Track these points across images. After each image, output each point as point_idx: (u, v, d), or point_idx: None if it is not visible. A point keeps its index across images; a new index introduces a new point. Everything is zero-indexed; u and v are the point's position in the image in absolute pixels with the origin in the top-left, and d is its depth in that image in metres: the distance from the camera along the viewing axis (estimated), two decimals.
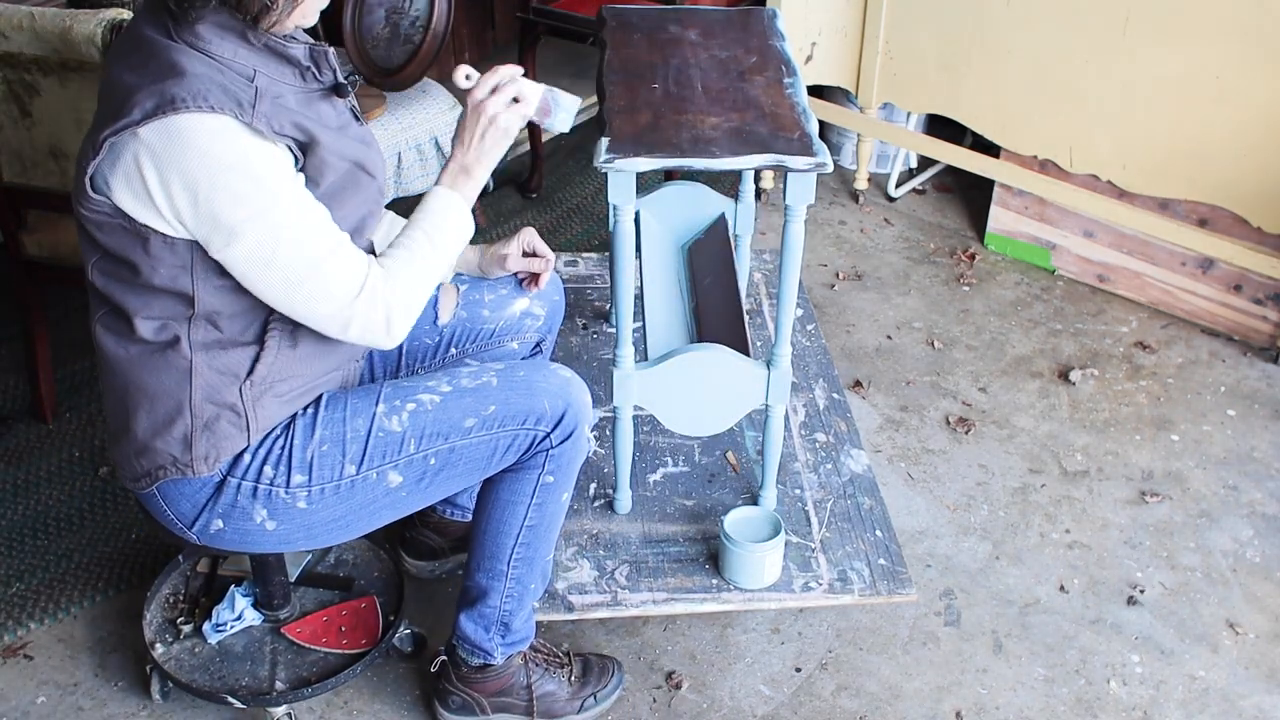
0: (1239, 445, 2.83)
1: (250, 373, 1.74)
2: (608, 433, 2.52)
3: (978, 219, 3.60)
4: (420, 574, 2.39)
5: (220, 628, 2.19)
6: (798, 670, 2.27)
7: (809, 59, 3.47)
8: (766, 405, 2.22)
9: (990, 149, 3.42)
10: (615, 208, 2.01)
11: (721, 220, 2.62)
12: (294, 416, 1.80)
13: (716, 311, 2.43)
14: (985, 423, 2.87)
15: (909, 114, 3.65)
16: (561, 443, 1.90)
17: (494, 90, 1.82)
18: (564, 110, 1.87)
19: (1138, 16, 3.00)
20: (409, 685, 2.23)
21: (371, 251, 1.85)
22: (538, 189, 3.72)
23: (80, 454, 2.75)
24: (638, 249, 2.56)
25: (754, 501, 2.40)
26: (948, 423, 2.86)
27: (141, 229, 1.62)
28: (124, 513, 2.60)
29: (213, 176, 1.57)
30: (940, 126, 3.68)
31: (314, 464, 1.79)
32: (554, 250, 3.50)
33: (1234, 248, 3.08)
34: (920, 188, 3.83)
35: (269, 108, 1.62)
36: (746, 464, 2.50)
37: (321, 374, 1.83)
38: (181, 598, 2.28)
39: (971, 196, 3.70)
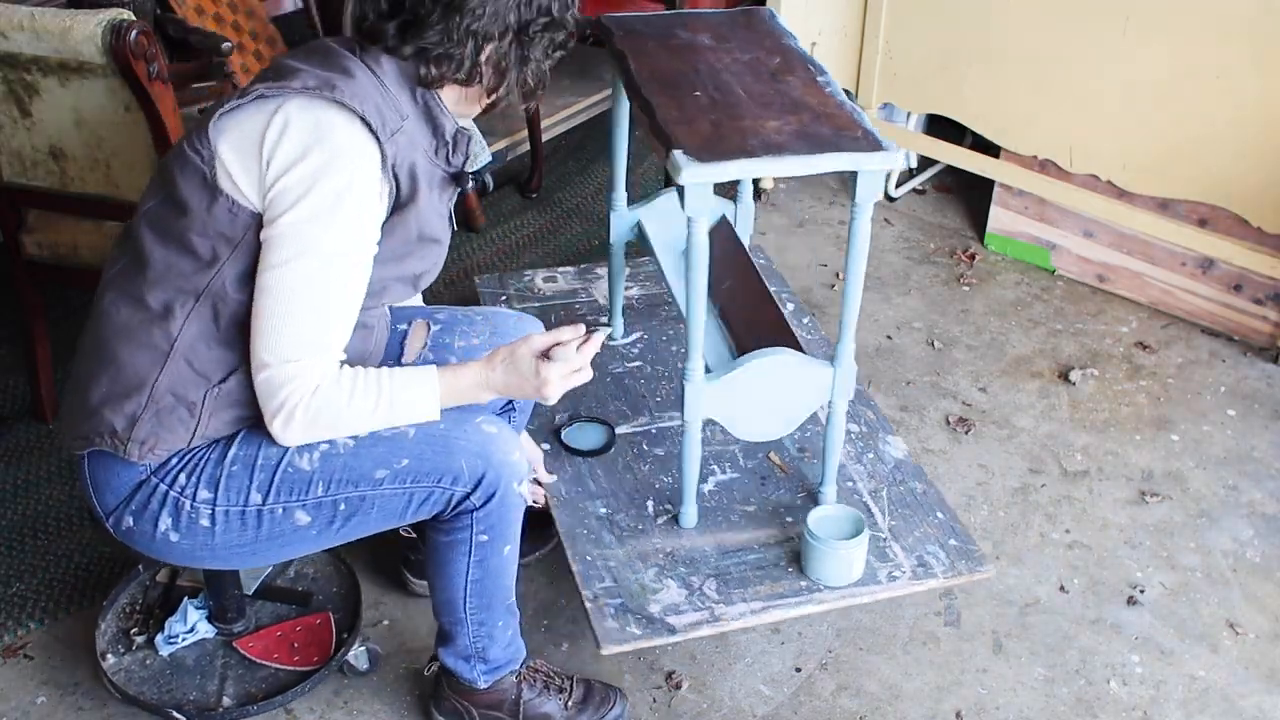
0: (1239, 445, 2.83)
1: (223, 380, 1.73)
2: (646, 448, 2.49)
3: (978, 219, 3.60)
4: (425, 593, 2.31)
5: (172, 640, 2.18)
6: (798, 670, 2.27)
7: None
8: (830, 402, 2.24)
9: (990, 149, 3.42)
10: (691, 220, 1.97)
11: (724, 222, 2.62)
12: None
13: (750, 314, 2.40)
14: (985, 423, 2.87)
15: (909, 114, 3.65)
16: (485, 504, 1.84)
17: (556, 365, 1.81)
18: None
19: (1138, 16, 3.00)
20: (409, 686, 2.23)
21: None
22: (538, 189, 3.72)
23: None
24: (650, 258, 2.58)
25: (813, 499, 2.39)
26: (948, 423, 2.86)
27: (217, 185, 1.65)
28: None
29: (322, 163, 1.62)
30: (940, 126, 3.68)
31: (221, 484, 1.76)
32: (553, 249, 3.50)
33: (1234, 248, 3.08)
34: (920, 188, 3.83)
35: (404, 143, 1.72)
36: (791, 462, 2.48)
37: None
38: (138, 608, 2.26)
39: (971, 196, 3.70)
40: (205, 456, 1.77)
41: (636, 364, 2.73)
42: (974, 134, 3.40)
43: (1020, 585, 2.46)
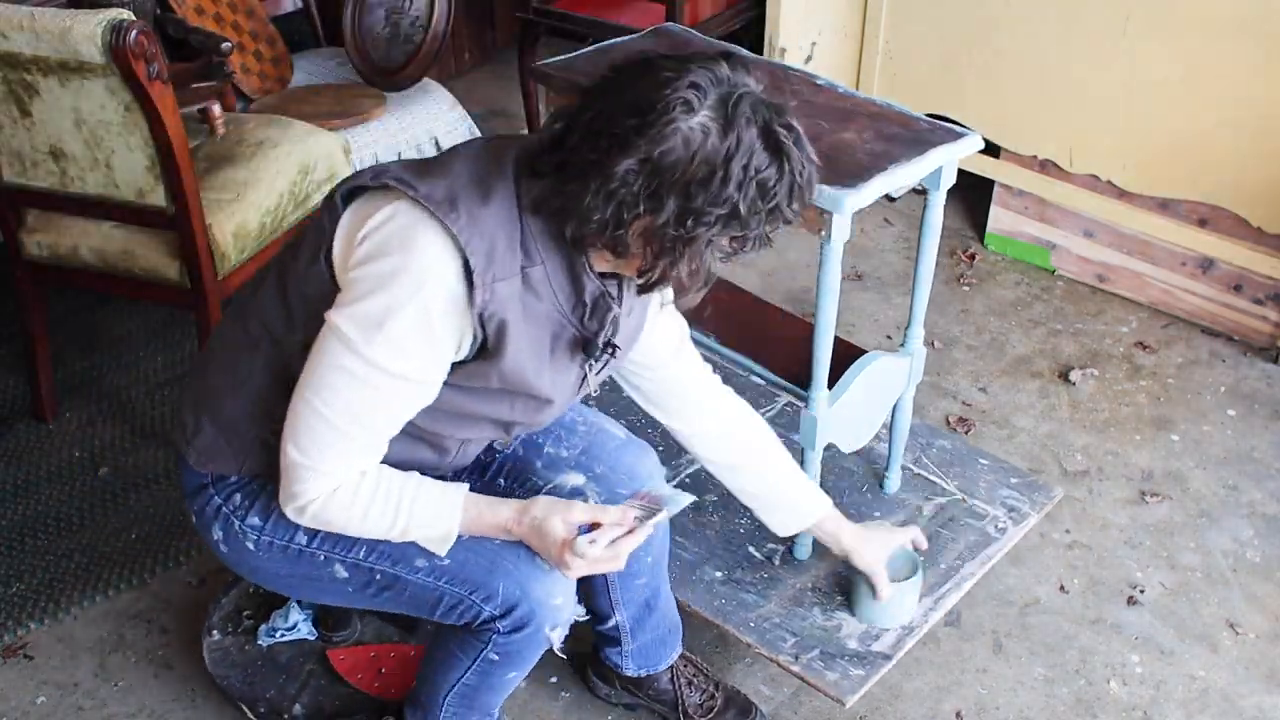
0: (1239, 445, 2.83)
1: (277, 427, 1.64)
2: (698, 495, 2.27)
3: (978, 219, 3.60)
4: (597, 693, 2.24)
5: (272, 633, 2.19)
6: None
7: (809, 59, 3.47)
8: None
9: (990, 149, 3.42)
10: (825, 246, 1.93)
11: None
12: None
13: (759, 330, 2.33)
14: (985, 423, 2.87)
15: None
16: (510, 633, 1.74)
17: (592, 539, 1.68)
18: (676, 505, 1.80)
19: (1138, 16, 3.00)
20: None
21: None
22: None
23: (80, 454, 2.75)
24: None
25: (879, 486, 2.41)
26: (948, 423, 2.86)
27: (324, 253, 1.56)
28: (124, 513, 2.60)
29: (391, 270, 1.48)
30: None
31: (273, 517, 1.73)
32: None
33: (1234, 248, 3.08)
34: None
35: (504, 294, 1.51)
36: (830, 463, 2.46)
37: None
38: (261, 592, 2.26)
39: (971, 196, 3.69)
40: (265, 486, 1.74)
41: (614, 413, 2.49)
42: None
43: (1020, 585, 2.46)
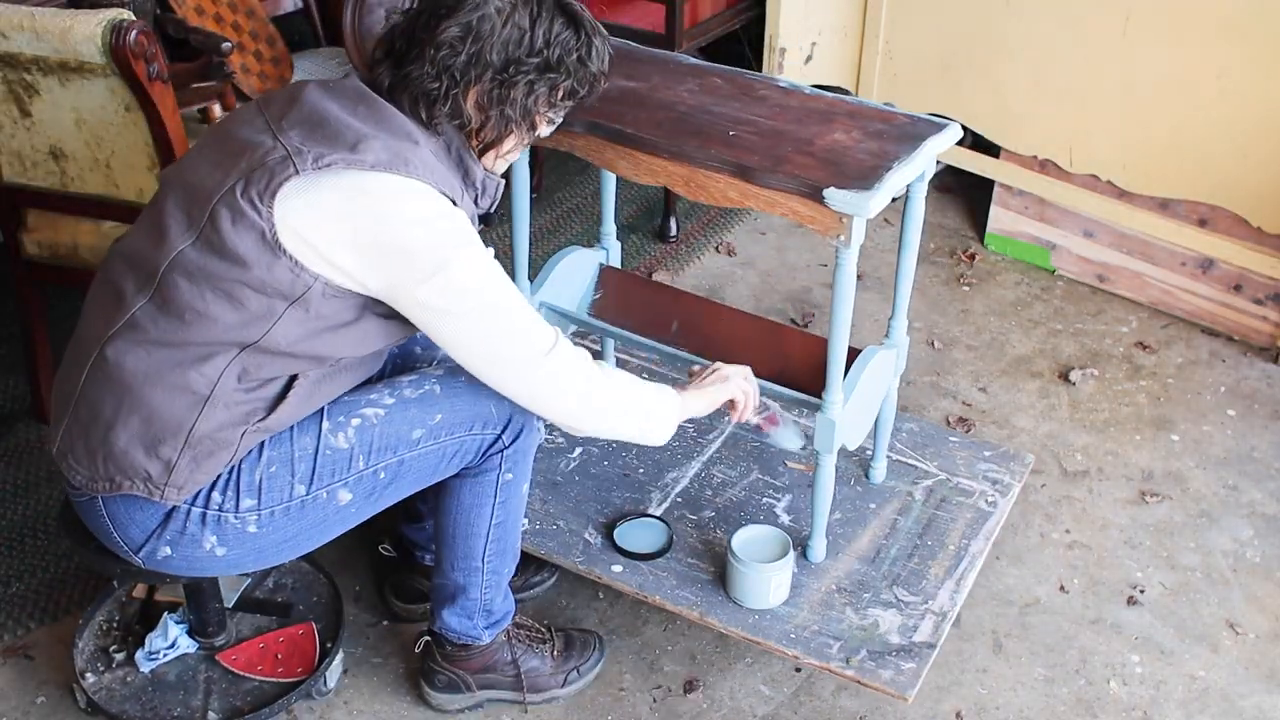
0: (1239, 445, 2.82)
1: (263, 419, 1.73)
2: (692, 516, 2.34)
3: (978, 219, 3.60)
4: (411, 618, 2.35)
5: (153, 656, 2.15)
6: (797, 670, 2.27)
7: (809, 59, 3.47)
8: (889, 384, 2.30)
9: (990, 149, 3.42)
10: (842, 251, 1.93)
11: (610, 269, 2.48)
12: None
13: (735, 336, 2.33)
14: (985, 423, 2.87)
15: None
16: (514, 440, 1.91)
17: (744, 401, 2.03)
18: (788, 439, 2.17)
19: (1138, 16, 3.00)
20: (409, 685, 2.23)
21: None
22: (538, 189, 3.72)
23: None
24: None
25: (866, 475, 2.44)
26: (948, 423, 2.86)
27: (280, 245, 1.62)
28: None
29: (423, 233, 1.66)
30: None
31: (263, 486, 1.76)
32: (553, 249, 3.50)
33: (1234, 248, 3.08)
34: None
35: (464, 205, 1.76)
36: (803, 459, 2.48)
37: (304, 416, 1.83)
38: (115, 625, 2.24)
39: (971, 196, 3.69)
40: (234, 469, 1.76)
41: (579, 449, 2.50)
42: (974, 134, 3.40)
43: (1020, 585, 2.46)
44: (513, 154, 1.85)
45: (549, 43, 1.73)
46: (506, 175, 2.09)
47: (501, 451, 1.92)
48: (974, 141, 3.45)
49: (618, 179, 2.35)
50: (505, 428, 1.90)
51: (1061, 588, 2.46)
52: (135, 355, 1.68)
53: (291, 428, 1.79)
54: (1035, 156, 3.31)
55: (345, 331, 1.72)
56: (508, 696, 2.16)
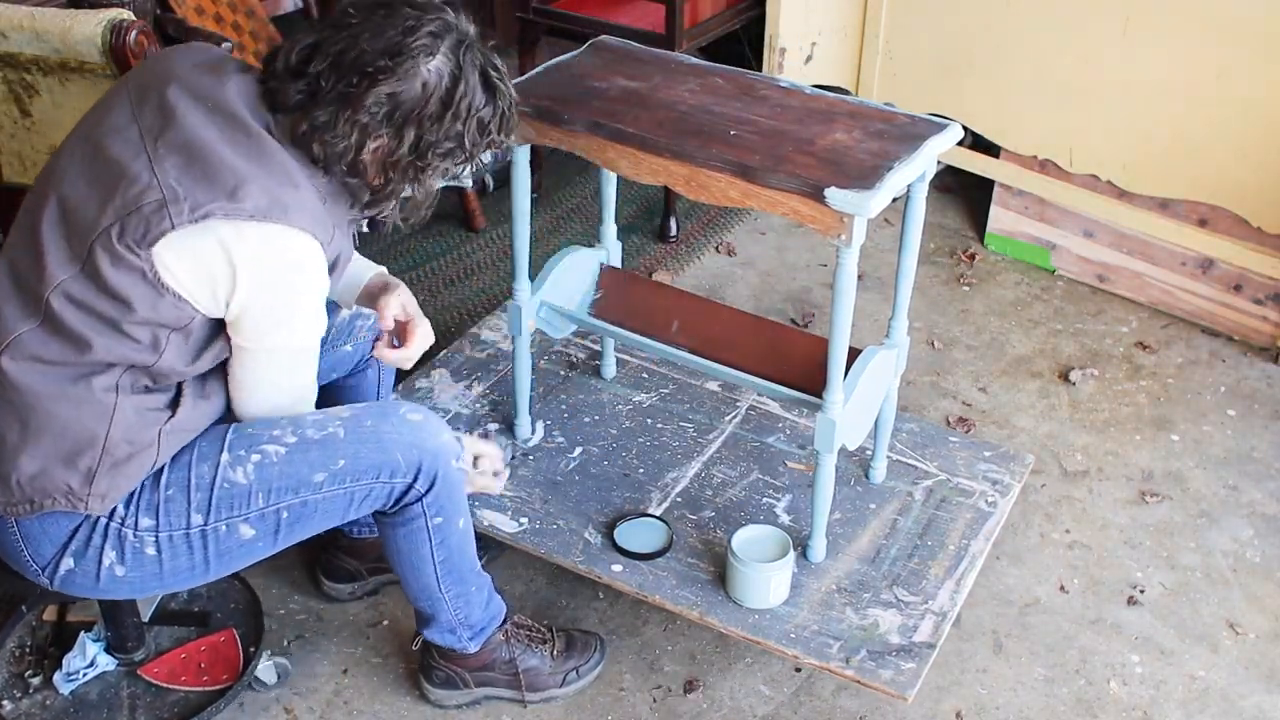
0: (1239, 445, 2.82)
1: (171, 417, 1.73)
2: (692, 515, 2.34)
3: (978, 219, 3.60)
4: (340, 597, 2.37)
5: (72, 677, 2.12)
6: (798, 670, 2.27)
7: (809, 59, 3.47)
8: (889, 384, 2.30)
9: (990, 149, 3.42)
10: (843, 250, 1.93)
11: (611, 269, 2.49)
12: None
13: (735, 338, 2.33)
14: (985, 423, 2.87)
15: None
16: (430, 489, 1.87)
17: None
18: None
19: (1138, 16, 3.00)
20: (409, 685, 2.23)
21: None
22: (537, 189, 3.72)
23: None
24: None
25: (866, 475, 2.44)
26: (948, 423, 2.86)
27: (161, 283, 1.61)
28: None
29: (289, 289, 1.67)
30: None
31: (160, 509, 1.75)
32: (553, 249, 3.50)
33: (1234, 248, 3.08)
34: None
35: (337, 238, 1.74)
36: (803, 459, 2.49)
37: (222, 410, 1.84)
38: (29, 649, 2.20)
39: (971, 196, 3.69)
40: (141, 487, 1.75)
41: (580, 449, 2.50)
42: (974, 134, 3.40)
43: (1020, 585, 2.46)
44: (403, 211, 1.84)
45: (465, 120, 1.71)
46: (506, 177, 2.08)
47: (420, 500, 1.88)
48: (974, 141, 3.45)
49: (618, 179, 2.35)
50: (416, 477, 1.85)
51: (1061, 588, 2.46)
52: (32, 374, 1.66)
53: (192, 452, 1.77)
54: (1035, 156, 3.31)
55: (221, 342, 1.73)
56: (506, 694, 2.16)
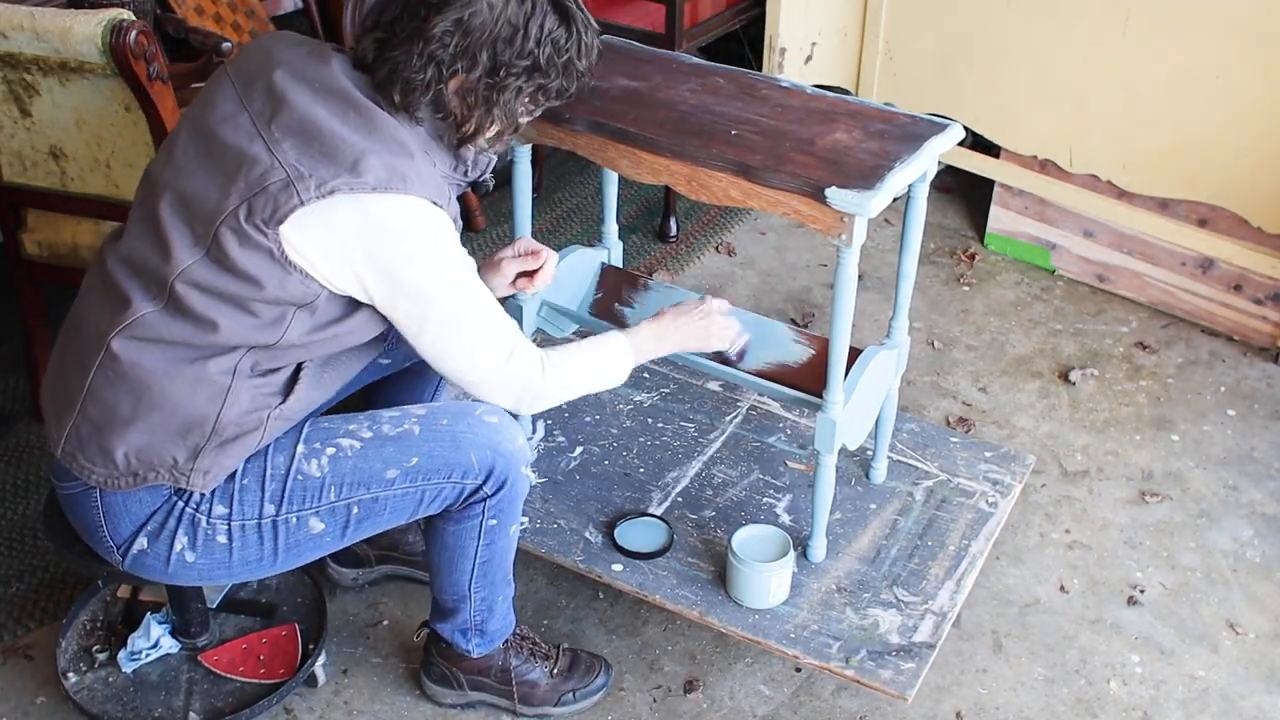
0: (1239, 445, 2.83)
1: (282, 403, 1.76)
2: (693, 515, 2.35)
3: (978, 219, 3.60)
4: (343, 581, 2.37)
5: (135, 656, 2.15)
6: (798, 670, 2.27)
7: (809, 59, 3.47)
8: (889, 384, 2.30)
9: (990, 149, 3.42)
10: (844, 250, 1.93)
11: (607, 269, 2.48)
12: None
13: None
14: (985, 423, 2.87)
15: None
16: (497, 492, 1.89)
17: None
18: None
19: (1138, 16, 3.00)
20: (409, 685, 2.23)
21: None
22: (537, 189, 3.72)
23: None
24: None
25: (867, 475, 2.44)
26: (948, 423, 2.86)
27: (289, 261, 1.63)
28: None
29: (424, 254, 1.69)
30: None
31: (235, 498, 1.77)
32: (553, 249, 3.50)
33: (1234, 248, 3.08)
34: None
35: (451, 203, 1.77)
36: (804, 459, 2.49)
37: (321, 401, 1.86)
38: (99, 625, 2.23)
39: (971, 196, 3.69)
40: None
41: (580, 449, 2.50)
42: (974, 134, 3.40)
43: (1020, 585, 2.46)
44: (491, 146, 1.84)
45: (539, 42, 1.70)
46: (507, 177, 2.09)
47: (484, 500, 1.90)
48: (974, 141, 3.45)
49: (619, 179, 2.35)
50: (487, 479, 1.87)
51: (1061, 588, 2.46)
52: (150, 354, 1.69)
53: (269, 446, 1.79)
54: (1035, 156, 3.31)
55: (345, 321, 1.75)
56: (499, 702, 2.15)
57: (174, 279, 1.66)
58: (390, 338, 1.94)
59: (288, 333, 1.69)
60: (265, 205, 1.62)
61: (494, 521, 1.93)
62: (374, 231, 1.65)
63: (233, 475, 1.77)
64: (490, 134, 1.79)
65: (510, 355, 1.80)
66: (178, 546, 1.77)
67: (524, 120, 1.82)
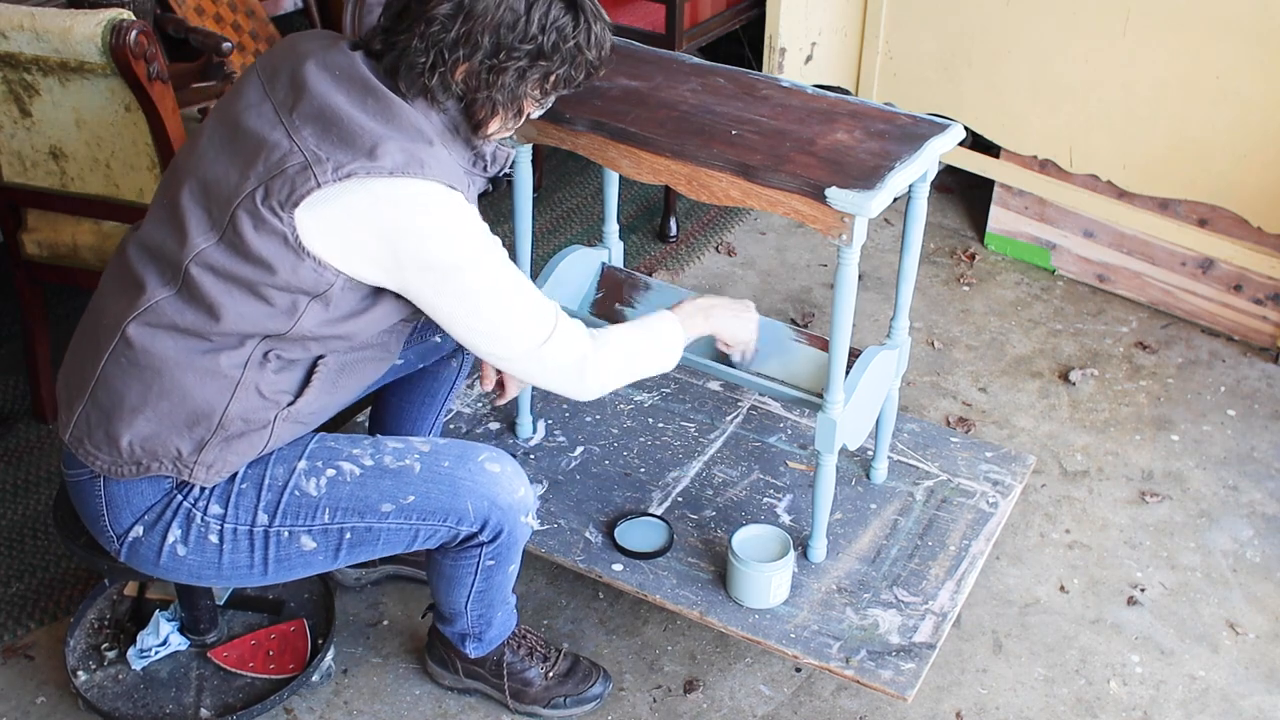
0: (1239, 445, 2.83)
1: (292, 403, 1.76)
2: (693, 515, 2.36)
3: (978, 219, 3.60)
4: (346, 581, 2.38)
5: (145, 654, 2.16)
6: (798, 670, 2.27)
7: (809, 59, 3.47)
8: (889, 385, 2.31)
9: (990, 149, 3.43)
10: (844, 250, 1.93)
11: (608, 269, 2.48)
12: None
13: None
14: (985, 423, 2.87)
15: None
16: (493, 540, 1.88)
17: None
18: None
19: (1138, 16, 3.00)
20: (409, 685, 2.23)
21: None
22: (537, 189, 3.72)
23: None
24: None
25: (867, 475, 2.44)
26: (948, 423, 2.86)
27: (303, 247, 1.64)
28: None
29: (446, 235, 1.68)
30: None
31: (232, 500, 1.77)
32: (553, 249, 3.50)
33: (1234, 248, 3.08)
34: None
35: (471, 195, 1.77)
36: (804, 459, 2.49)
37: (334, 409, 1.85)
38: (107, 623, 2.24)
39: (971, 196, 3.70)
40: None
41: (581, 449, 2.51)
42: (974, 134, 3.40)
43: (1020, 585, 2.46)
44: (499, 136, 1.83)
45: (544, 29, 1.69)
46: (507, 177, 2.09)
47: (481, 546, 1.89)
48: (974, 141, 3.45)
49: (620, 179, 2.35)
50: (482, 528, 1.85)
51: (1061, 588, 2.46)
52: (164, 342, 1.69)
53: (271, 455, 1.79)
54: (1035, 156, 3.31)
55: (362, 315, 1.74)
56: (493, 695, 2.17)
57: (188, 262, 1.66)
58: (411, 335, 1.94)
59: (300, 322, 1.69)
60: (282, 187, 1.62)
61: (491, 563, 1.93)
62: (391, 212, 1.64)
63: (233, 477, 1.77)
64: (495, 124, 1.77)
65: (551, 333, 1.79)
66: (170, 538, 1.77)
67: (533, 110, 1.82)
